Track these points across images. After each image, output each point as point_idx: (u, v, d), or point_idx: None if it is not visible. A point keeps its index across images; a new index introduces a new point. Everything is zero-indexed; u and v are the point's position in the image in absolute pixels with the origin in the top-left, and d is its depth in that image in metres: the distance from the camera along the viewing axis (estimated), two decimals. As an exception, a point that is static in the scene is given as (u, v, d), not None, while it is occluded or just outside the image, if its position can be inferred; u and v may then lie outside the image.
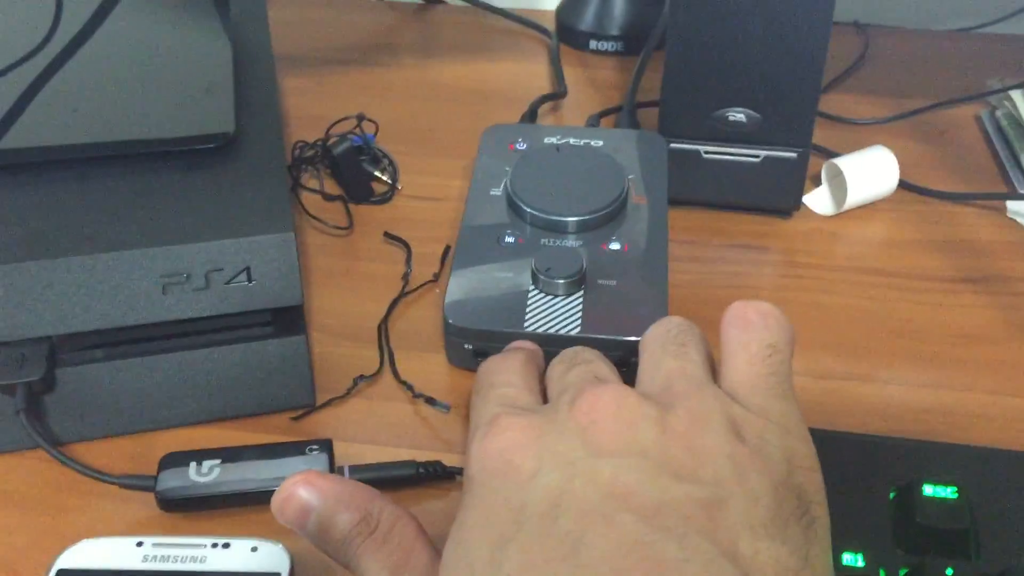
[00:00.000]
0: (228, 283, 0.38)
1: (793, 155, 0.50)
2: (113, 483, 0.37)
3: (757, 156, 0.51)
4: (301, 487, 0.30)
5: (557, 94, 0.62)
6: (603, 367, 0.33)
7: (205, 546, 0.33)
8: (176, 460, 0.36)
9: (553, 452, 0.27)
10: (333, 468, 0.37)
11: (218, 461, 0.36)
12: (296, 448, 0.37)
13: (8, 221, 0.38)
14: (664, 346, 0.32)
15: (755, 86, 0.49)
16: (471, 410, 0.34)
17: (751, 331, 0.30)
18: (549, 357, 0.41)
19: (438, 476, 0.38)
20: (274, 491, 0.35)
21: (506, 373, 0.34)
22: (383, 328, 0.45)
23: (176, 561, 0.32)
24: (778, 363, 0.30)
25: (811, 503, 0.27)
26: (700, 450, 0.27)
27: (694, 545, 0.24)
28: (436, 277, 0.48)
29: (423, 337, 0.45)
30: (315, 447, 0.37)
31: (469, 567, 0.26)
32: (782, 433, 0.28)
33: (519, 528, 0.26)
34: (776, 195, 0.52)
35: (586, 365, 0.32)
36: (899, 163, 0.52)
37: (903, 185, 0.54)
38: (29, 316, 0.37)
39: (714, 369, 0.31)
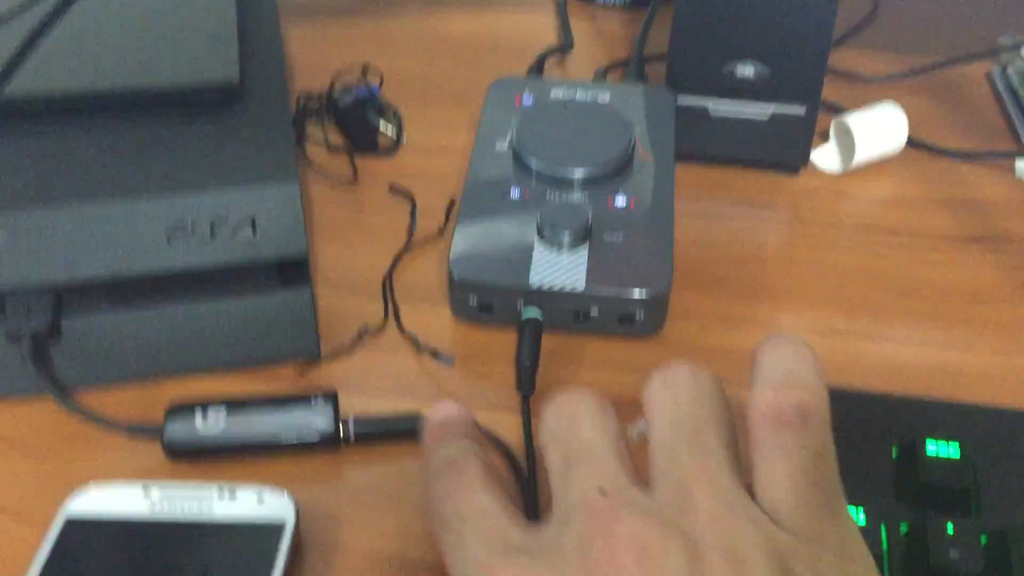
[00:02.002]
0: (233, 234, 0.38)
1: (801, 111, 0.50)
2: (119, 431, 0.37)
3: (765, 112, 0.50)
4: None
5: (564, 47, 0.62)
6: (608, 463, 0.27)
7: (211, 493, 0.33)
8: (182, 409, 0.37)
9: None
10: (338, 419, 0.37)
11: (224, 411, 0.37)
12: (301, 399, 0.37)
13: (12, 168, 0.38)
14: (676, 430, 0.27)
15: (765, 39, 0.48)
16: (442, 547, 0.27)
17: (790, 436, 0.25)
18: (555, 313, 0.41)
19: (442, 428, 0.38)
20: (280, 441, 0.36)
21: (472, 493, 0.28)
22: (388, 281, 0.45)
23: (182, 507, 0.33)
24: (826, 472, 0.25)
25: None
26: None
27: None
28: (441, 231, 0.48)
29: (428, 290, 0.45)
30: (320, 399, 0.37)
31: None
32: (838, 560, 0.24)
33: None
34: (784, 152, 0.51)
35: (589, 464, 0.27)
36: (908, 120, 0.52)
37: (911, 143, 0.53)
38: (34, 264, 0.37)
39: (738, 453, 0.27)
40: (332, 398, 0.37)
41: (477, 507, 0.27)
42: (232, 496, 0.33)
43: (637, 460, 0.28)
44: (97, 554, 0.32)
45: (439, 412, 0.33)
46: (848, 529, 0.25)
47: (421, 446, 0.32)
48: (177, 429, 0.36)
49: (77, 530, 0.32)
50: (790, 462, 0.25)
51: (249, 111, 0.42)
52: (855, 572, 0.24)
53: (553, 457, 0.28)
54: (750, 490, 0.26)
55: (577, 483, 0.26)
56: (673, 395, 0.27)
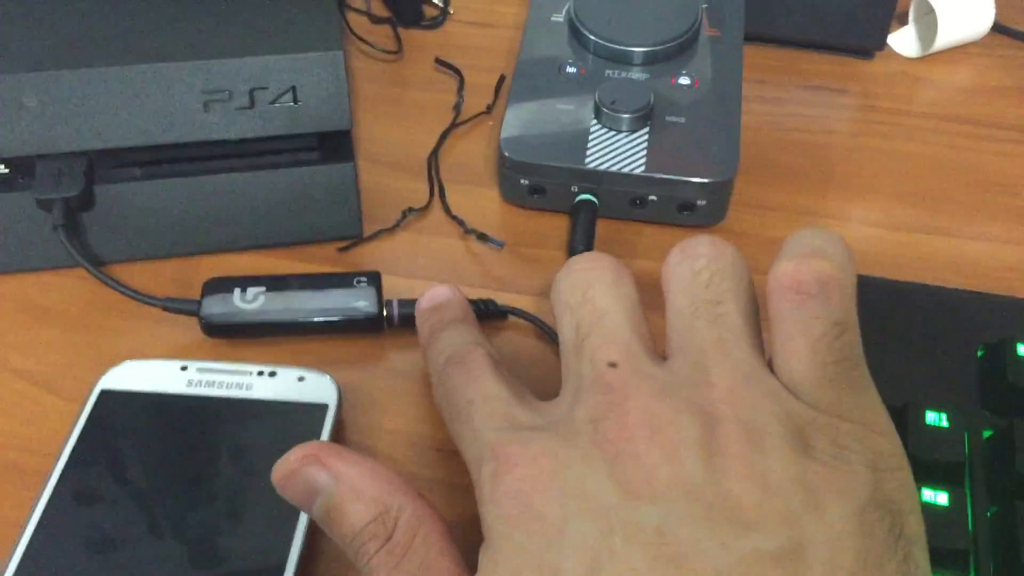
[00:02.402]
0: (273, 103, 0.36)
1: (881, -12, 0.46)
2: (156, 305, 0.35)
3: (842, -12, 0.47)
4: (309, 465, 0.25)
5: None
6: (622, 333, 0.25)
7: (251, 373, 0.32)
8: (220, 285, 0.35)
9: (579, 493, 0.22)
10: (381, 301, 0.35)
11: (263, 288, 0.35)
12: (344, 279, 0.35)
13: (43, 29, 0.36)
14: (694, 301, 0.25)
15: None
16: (455, 438, 0.27)
17: (810, 307, 0.24)
18: (611, 198, 0.39)
19: (490, 314, 0.36)
20: (321, 321, 0.35)
21: (477, 381, 0.27)
22: (433, 160, 0.43)
23: (221, 387, 0.31)
24: (848, 344, 0.24)
25: (906, 521, 0.22)
26: (760, 478, 0.21)
27: None
28: (490, 108, 0.45)
29: (475, 171, 0.43)
30: (363, 279, 0.36)
31: None
32: (861, 433, 0.23)
33: None
34: (858, 33, 0.48)
35: (602, 334, 0.26)
36: (995, 2, 0.48)
37: (997, 28, 0.49)
38: (65, 128, 0.35)
39: (759, 327, 0.26)
40: (375, 279, 0.36)
41: (483, 393, 0.26)
42: (272, 375, 0.32)
43: (655, 330, 0.26)
44: (134, 428, 0.31)
45: (429, 296, 0.33)
46: (870, 401, 0.24)
47: (418, 335, 0.32)
48: (215, 305, 0.35)
49: (113, 404, 0.31)
50: (810, 335, 0.24)
51: (290, -27, 0.39)
52: (874, 443, 0.22)
53: (565, 326, 0.27)
54: (770, 365, 0.25)
55: (589, 355, 0.25)
56: (692, 266, 0.26)
